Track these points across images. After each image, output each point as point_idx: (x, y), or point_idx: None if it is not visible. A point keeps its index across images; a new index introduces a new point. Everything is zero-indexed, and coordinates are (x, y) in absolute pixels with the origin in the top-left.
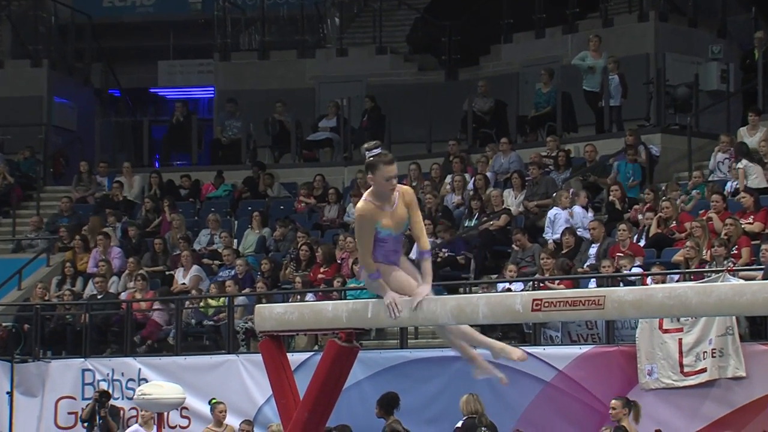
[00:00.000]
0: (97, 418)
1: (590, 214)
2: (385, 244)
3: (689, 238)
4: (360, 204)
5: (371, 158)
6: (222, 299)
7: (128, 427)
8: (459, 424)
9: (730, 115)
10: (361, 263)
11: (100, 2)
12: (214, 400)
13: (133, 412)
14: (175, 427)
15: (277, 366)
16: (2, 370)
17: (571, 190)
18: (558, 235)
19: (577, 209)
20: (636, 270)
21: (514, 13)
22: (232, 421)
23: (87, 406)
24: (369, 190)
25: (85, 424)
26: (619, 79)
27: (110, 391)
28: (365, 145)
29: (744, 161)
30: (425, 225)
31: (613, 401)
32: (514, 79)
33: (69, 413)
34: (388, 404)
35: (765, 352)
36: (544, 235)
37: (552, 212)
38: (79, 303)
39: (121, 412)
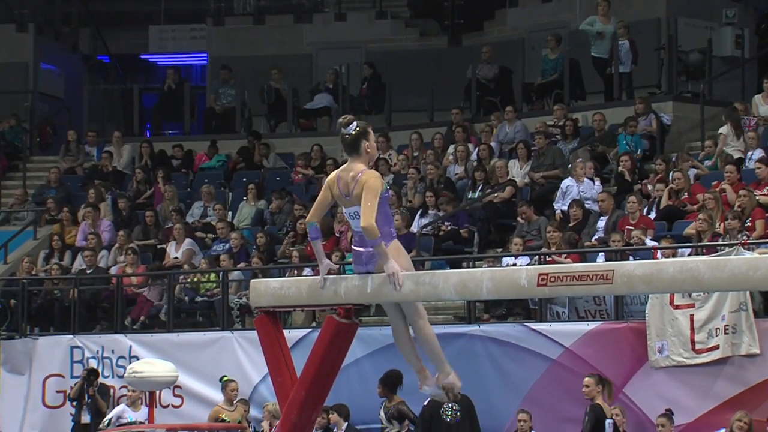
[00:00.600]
0: (86, 396)
1: (597, 185)
2: (386, 206)
3: (701, 210)
4: (373, 171)
5: (358, 128)
6: (213, 275)
7: (118, 405)
8: (426, 402)
9: (745, 82)
10: (370, 227)
11: None
12: (225, 378)
13: (124, 391)
14: (168, 406)
15: (273, 343)
16: None
17: (585, 162)
18: (565, 207)
19: (586, 181)
20: (647, 244)
21: None
22: None
23: (75, 384)
24: (362, 161)
25: (74, 403)
26: (629, 45)
27: (100, 369)
28: (342, 121)
29: (726, 127)
30: (428, 197)
31: (587, 379)
32: (519, 45)
33: (57, 391)
34: (392, 383)
35: None
36: (554, 204)
37: (565, 183)
38: (67, 278)
39: (111, 390)
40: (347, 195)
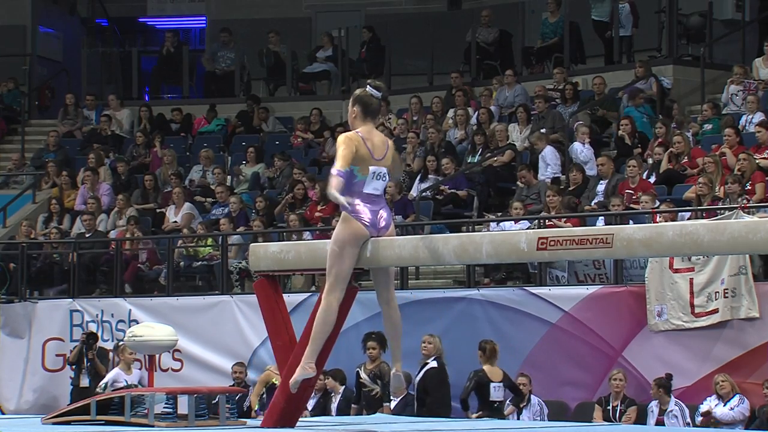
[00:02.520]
0: (85, 360)
1: (586, 149)
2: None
3: (701, 173)
4: None
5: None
6: (211, 241)
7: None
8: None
9: (746, 45)
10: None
11: None
12: None
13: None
14: (168, 369)
15: (272, 307)
16: None
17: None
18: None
19: (577, 145)
20: (645, 207)
21: None
22: (226, 364)
23: (74, 348)
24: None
25: (73, 367)
26: (629, 8)
27: (99, 332)
28: (378, 84)
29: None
30: (430, 162)
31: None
32: (519, 8)
33: (57, 355)
34: (384, 343)
35: None
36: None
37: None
38: (66, 241)
39: (110, 354)
40: (381, 157)
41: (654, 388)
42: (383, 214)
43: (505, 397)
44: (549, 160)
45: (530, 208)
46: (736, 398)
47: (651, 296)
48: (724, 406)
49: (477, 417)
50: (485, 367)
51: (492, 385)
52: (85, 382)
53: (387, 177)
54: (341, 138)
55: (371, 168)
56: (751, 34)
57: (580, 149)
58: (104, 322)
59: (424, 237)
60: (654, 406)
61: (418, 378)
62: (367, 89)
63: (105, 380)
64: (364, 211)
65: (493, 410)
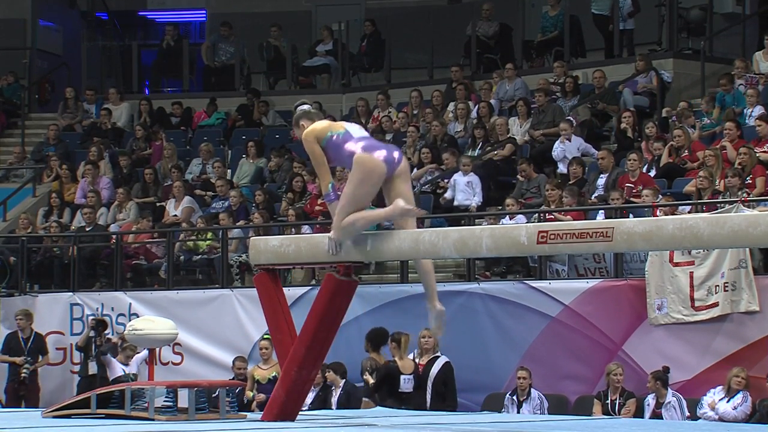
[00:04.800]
0: (93, 347)
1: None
2: None
3: (702, 167)
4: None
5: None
6: (211, 234)
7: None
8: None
9: (746, 38)
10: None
11: None
12: (265, 336)
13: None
14: (168, 363)
15: (272, 300)
16: None
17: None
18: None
19: (557, 144)
20: (648, 201)
21: None
22: (227, 357)
23: (83, 334)
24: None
25: (81, 355)
26: (631, 0)
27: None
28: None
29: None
30: (427, 155)
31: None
32: (519, 2)
33: (58, 348)
34: (375, 340)
35: None
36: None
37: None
38: (66, 235)
39: (117, 347)
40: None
41: (651, 381)
42: (392, 149)
43: (414, 389)
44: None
45: (530, 202)
46: (740, 396)
47: (651, 290)
48: (728, 402)
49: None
50: (396, 359)
51: (402, 377)
52: (93, 369)
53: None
54: (305, 144)
55: (343, 123)
56: (752, 27)
57: (560, 147)
58: (104, 316)
59: (424, 230)
60: (651, 399)
61: (435, 372)
62: (299, 108)
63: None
64: (374, 147)
65: (402, 401)
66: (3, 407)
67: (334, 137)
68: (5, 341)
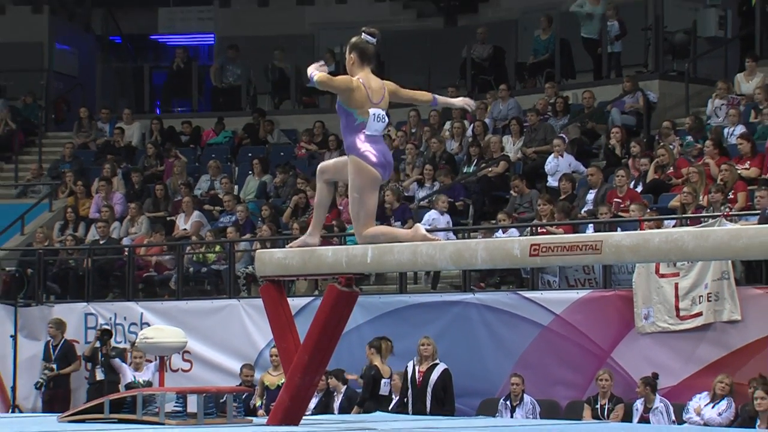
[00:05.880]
0: (99, 355)
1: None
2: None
3: (686, 183)
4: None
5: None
6: (218, 247)
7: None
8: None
9: (728, 61)
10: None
11: None
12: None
13: (118, 361)
14: (177, 370)
15: (277, 310)
16: (6, 314)
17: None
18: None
19: (550, 158)
20: (635, 216)
21: None
22: (234, 364)
23: (89, 344)
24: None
25: (89, 365)
26: (618, 26)
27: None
28: (372, 30)
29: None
30: (427, 170)
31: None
32: (512, 26)
33: None
34: (376, 348)
35: (760, 296)
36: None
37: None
38: (81, 248)
39: (126, 354)
40: (378, 100)
41: (641, 386)
42: (387, 153)
43: (390, 393)
44: None
45: (523, 216)
46: (725, 402)
47: (638, 300)
48: (713, 408)
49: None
50: (377, 364)
51: (383, 380)
52: (100, 376)
53: (386, 119)
54: (343, 77)
55: (371, 110)
56: (733, 50)
57: (553, 162)
58: (117, 325)
59: (422, 243)
60: (639, 404)
61: (434, 378)
62: (362, 36)
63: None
64: (370, 151)
65: (380, 404)
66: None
67: (355, 119)
68: (44, 349)
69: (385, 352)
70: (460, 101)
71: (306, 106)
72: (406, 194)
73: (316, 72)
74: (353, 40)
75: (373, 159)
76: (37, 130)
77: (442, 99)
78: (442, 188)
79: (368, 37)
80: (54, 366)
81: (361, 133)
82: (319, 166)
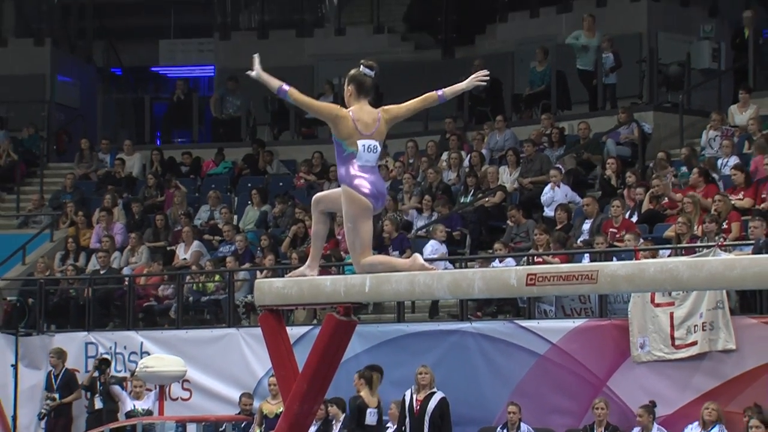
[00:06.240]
0: (98, 384)
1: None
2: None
3: (681, 213)
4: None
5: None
6: (218, 276)
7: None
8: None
9: (722, 92)
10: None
11: None
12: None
13: (117, 388)
14: (177, 399)
15: (276, 339)
16: (7, 343)
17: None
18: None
19: (547, 189)
20: (630, 245)
21: None
22: (233, 393)
23: (88, 373)
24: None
25: (88, 394)
26: (613, 58)
27: (113, 363)
28: (370, 63)
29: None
30: (426, 200)
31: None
32: (509, 58)
33: None
34: (367, 377)
35: (755, 326)
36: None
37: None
38: (82, 278)
39: (125, 382)
40: (370, 132)
41: (643, 414)
42: (379, 183)
43: (377, 423)
44: None
45: (519, 246)
46: (717, 428)
47: (634, 329)
48: None
49: None
50: (362, 394)
51: (368, 410)
52: (99, 405)
53: (379, 149)
54: (328, 104)
55: (359, 142)
56: (726, 82)
57: (549, 192)
58: (117, 354)
59: (419, 273)
60: None
61: (432, 407)
62: (360, 69)
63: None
64: (362, 183)
65: None
66: None
67: (344, 149)
68: (46, 379)
69: (375, 382)
70: (467, 82)
71: (305, 137)
72: (404, 221)
73: (284, 88)
74: (352, 72)
75: (365, 189)
76: (38, 161)
77: (449, 90)
78: (439, 218)
79: (366, 69)
80: (56, 396)
81: (351, 163)
82: (314, 197)
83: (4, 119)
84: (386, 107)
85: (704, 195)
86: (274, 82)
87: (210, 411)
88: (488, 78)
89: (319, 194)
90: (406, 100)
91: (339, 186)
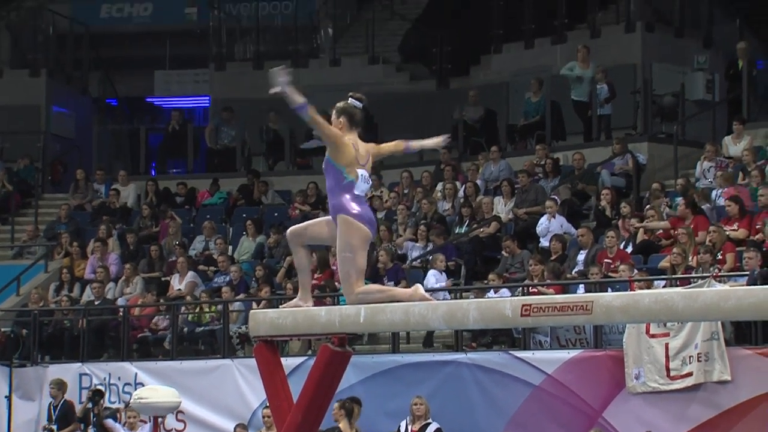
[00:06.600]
0: (91, 416)
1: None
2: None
3: (675, 244)
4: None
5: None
6: (214, 307)
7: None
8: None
9: (716, 123)
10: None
11: (97, 12)
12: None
13: (110, 421)
14: (171, 430)
15: (271, 370)
16: (1, 375)
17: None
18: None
19: (543, 220)
20: (624, 276)
21: (504, 24)
22: (227, 424)
23: (81, 405)
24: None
25: (82, 425)
26: (607, 89)
27: (107, 394)
28: (359, 96)
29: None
30: (421, 231)
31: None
32: (503, 89)
33: None
34: (347, 408)
35: (750, 357)
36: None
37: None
38: (76, 308)
39: (119, 414)
40: (365, 162)
41: None
42: (371, 213)
43: None
44: None
45: (514, 276)
46: None
47: (629, 360)
48: None
49: None
50: (341, 425)
51: None
52: None
53: (370, 181)
54: (337, 129)
55: (358, 171)
56: (721, 113)
57: (545, 223)
58: (111, 385)
59: (415, 303)
60: None
61: None
62: (349, 101)
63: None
64: (361, 212)
65: None
66: None
67: (344, 177)
68: (47, 411)
69: (356, 415)
70: (431, 142)
71: (300, 167)
72: (399, 253)
73: (306, 104)
74: (340, 105)
75: (365, 217)
76: (33, 192)
77: (415, 144)
78: (434, 248)
79: (355, 102)
80: (54, 427)
81: (349, 192)
82: (288, 231)
83: None
84: (371, 143)
85: (693, 226)
86: (297, 97)
87: None
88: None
89: (296, 227)
90: (401, 131)
91: (324, 217)
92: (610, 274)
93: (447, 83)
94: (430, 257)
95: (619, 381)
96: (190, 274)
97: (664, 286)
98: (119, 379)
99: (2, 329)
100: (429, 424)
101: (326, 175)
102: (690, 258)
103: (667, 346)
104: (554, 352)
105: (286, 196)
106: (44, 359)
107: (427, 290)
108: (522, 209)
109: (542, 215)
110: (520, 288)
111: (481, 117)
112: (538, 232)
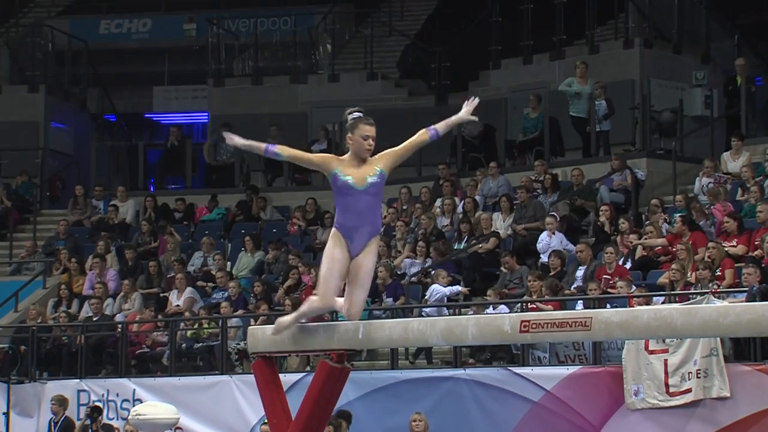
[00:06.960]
0: None
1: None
2: (346, 197)
3: (674, 260)
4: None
5: (352, 120)
6: (212, 323)
7: None
8: None
9: (714, 140)
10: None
11: (96, 29)
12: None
13: None
14: None
15: (269, 386)
16: None
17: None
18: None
19: (543, 236)
20: (623, 292)
21: (503, 40)
22: None
23: (80, 421)
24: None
25: None
26: (606, 105)
27: (105, 411)
28: (348, 109)
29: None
30: (420, 247)
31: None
32: (502, 105)
33: None
34: (335, 420)
35: (749, 373)
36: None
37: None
38: (74, 325)
39: (116, 431)
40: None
41: None
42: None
43: None
44: None
45: (513, 292)
46: None
47: (628, 376)
48: None
49: None
50: None
51: None
52: None
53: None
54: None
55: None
56: (719, 129)
57: (546, 240)
58: (110, 401)
59: (413, 319)
60: None
61: None
62: (354, 115)
63: None
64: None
65: None
66: None
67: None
68: (47, 427)
69: (343, 430)
70: (457, 117)
71: (298, 183)
72: (398, 271)
73: (270, 145)
74: (349, 122)
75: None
76: (31, 208)
77: (441, 126)
78: (433, 264)
79: (356, 113)
80: None
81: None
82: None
83: None
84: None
85: (691, 242)
86: (258, 145)
87: None
88: (478, 104)
89: (331, 277)
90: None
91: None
92: (608, 290)
93: (446, 99)
94: (432, 272)
95: (618, 397)
96: (189, 290)
97: (663, 302)
98: (117, 395)
99: (0, 345)
100: None
101: (334, 190)
102: (689, 274)
103: (666, 362)
104: (553, 368)
105: (284, 212)
106: (42, 376)
107: (432, 302)
108: (521, 225)
109: (541, 231)
110: (519, 304)
111: (480, 133)
112: (538, 248)
